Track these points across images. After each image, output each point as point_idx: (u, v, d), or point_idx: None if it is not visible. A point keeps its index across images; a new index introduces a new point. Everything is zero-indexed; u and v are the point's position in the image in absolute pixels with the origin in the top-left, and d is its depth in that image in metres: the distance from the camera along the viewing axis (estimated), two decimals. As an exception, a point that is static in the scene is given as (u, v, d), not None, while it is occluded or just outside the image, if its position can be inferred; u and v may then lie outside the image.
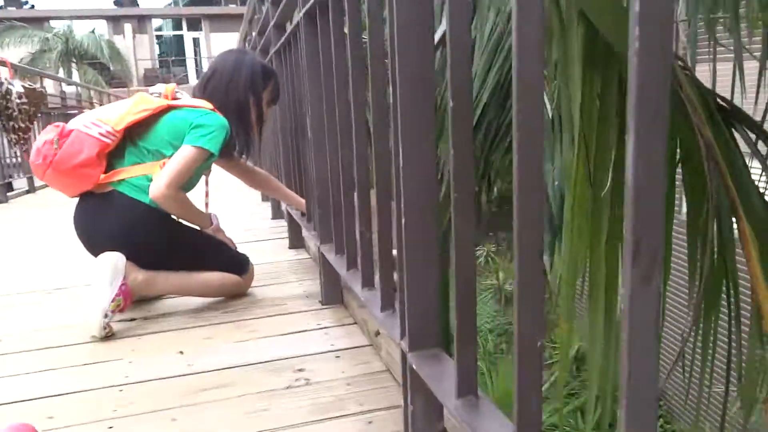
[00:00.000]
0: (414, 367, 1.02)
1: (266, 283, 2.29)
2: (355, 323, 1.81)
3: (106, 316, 1.79)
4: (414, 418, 1.07)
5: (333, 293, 2.00)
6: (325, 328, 1.79)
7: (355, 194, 1.56)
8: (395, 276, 1.22)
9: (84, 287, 2.31)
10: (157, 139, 1.93)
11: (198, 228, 2.10)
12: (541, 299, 0.69)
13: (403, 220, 1.01)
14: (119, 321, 1.92)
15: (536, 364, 0.69)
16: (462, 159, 0.83)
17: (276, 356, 1.60)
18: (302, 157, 2.48)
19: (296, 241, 2.89)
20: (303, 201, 2.36)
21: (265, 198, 4.58)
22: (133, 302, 1.93)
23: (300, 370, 1.50)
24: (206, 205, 2.26)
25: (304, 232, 2.87)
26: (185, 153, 1.87)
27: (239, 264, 2.13)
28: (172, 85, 2.08)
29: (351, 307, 1.90)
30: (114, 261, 1.84)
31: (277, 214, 3.71)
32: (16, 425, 1.13)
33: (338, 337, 1.72)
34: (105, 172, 1.92)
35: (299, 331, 1.77)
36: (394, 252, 1.17)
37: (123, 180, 1.91)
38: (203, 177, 2.17)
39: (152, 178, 1.89)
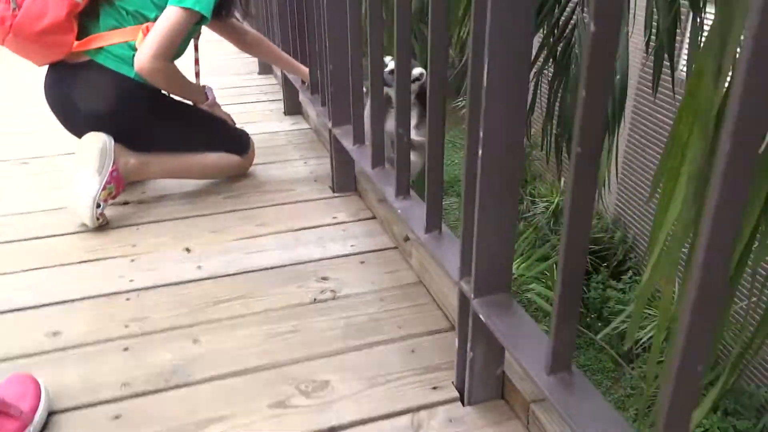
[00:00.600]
0: (482, 317, 0.89)
1: (267, 161, 2.10)
2: (374, 217, 1.67)
3: (98, 206, 1.61)
4: (473, 364, 0.97)
5: (345, 180, 1.83)
6: (342, 223, 1.65)
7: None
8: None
9: (65, 157, 2.10)
10: None
11: (191, 103, 1.85)
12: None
13: (481, 146, 0.82)
14: (111, 205, 1.75)
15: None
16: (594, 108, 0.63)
17: (293, 259, 1.47)
18: (302, 16, 2.16)
19: (292, 107, 2.65)
20: (305, 69, 2.09)
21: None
22: (124, 187, 1.74)
23: (323, 278, 1.38)
24: (197, 74, 1.98)
25: (302, 97, 2.62)
26: (172, 16, 1.57)
27: (239, 143, 1.92)
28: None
29: (367, 198, 1.75)
30: (102, 144, 1.62)
31: (265, 68, 3.38)
32: (19, 376, 1.01)
33: (358, 235, 1.58)
34: (78, 38, 1.62)
35: (313, 227, 1.63)
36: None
37: (101, 48, 1.62)
38: (192, 41, 1.87)
39: (135, 47, 1.60)
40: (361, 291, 1.33)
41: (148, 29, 1.59)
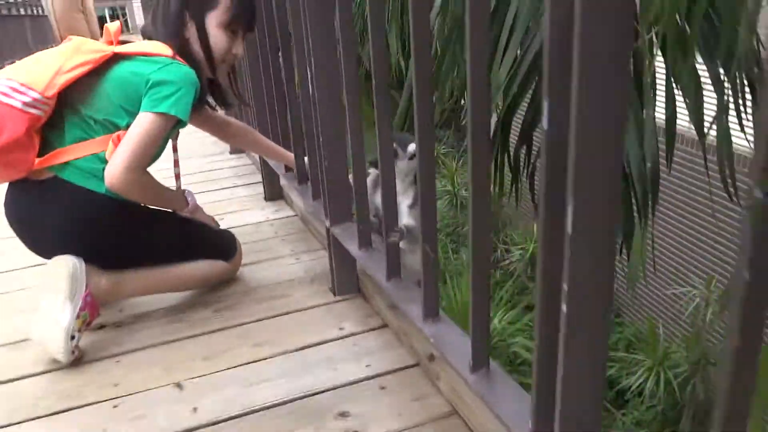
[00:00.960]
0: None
1: (255, 260, 1.92)
2: (385, 325, 1.51)
3: (72, 337, 1.41)
4: None
5: (347, 281, 1.67)
6: (350, 336, 1.48)
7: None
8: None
9: (30, 271, 1.89)
10: (104, 104, 1.45)
11: (171, 211, 1.67)
12: None
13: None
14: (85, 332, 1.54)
15: None
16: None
17: (303, 389, 1.28)
18: (282, 99, 2.04)
19: (273, 191, 2.49)
20: (291, 156, 1.95)
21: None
22: (99, 312, 1.54)
23: (343, 414, 1.20)
24: (177, 177, 1.81)
25: (284, 181, 2.48)
26: (145, 123, 1.41)
27: (224, 248, 1.74)
28: (117, 24, 1.56)
29: (374, 302, 1.58)
30: (71, 268, 1.43)
31: (237, 148, 3.23)
32: None
33: (372, 350, 1.41)
34: (40, 153, 1.44)
35: (319, 343, 1.45)
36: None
37: (67, 163, 1.44)
38: (170, 142, 1.72)
39: (105, 158, 1.43)
40: (391, 429, 1.15)
41: (119, 138, 1.42)
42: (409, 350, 1.39)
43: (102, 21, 3.94)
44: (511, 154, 1.68)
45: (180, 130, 1.68)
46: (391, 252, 1.28)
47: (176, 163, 1.79)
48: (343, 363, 1.37)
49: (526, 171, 1.66)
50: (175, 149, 1.77)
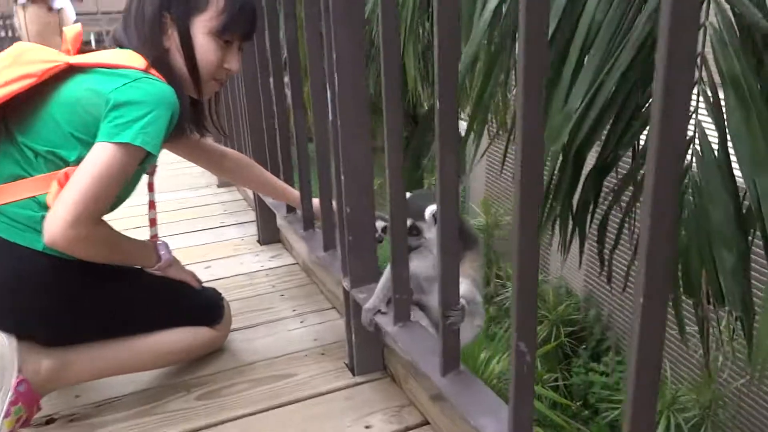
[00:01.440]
0: None
1: (249, 323, 1.56)
2: (426, 423, 1.14)
3: (0, 445, 1.03)
4: None
5: (370, 356, 1.31)
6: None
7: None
8: None
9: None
10: (50, 131, 1.09)
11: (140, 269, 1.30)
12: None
13: None
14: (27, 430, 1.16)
15: None
16: None
17: None
18: (283, 126, 1.70)
19: (269, 234, 2.13)
20: (297, 195, 1.60)
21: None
22: (40, 404, 1.16)
23: None
24: (152, 222, 1.44)
25: (280, 222, 2.12)
26: (101, 158, 1.05)
27: (208, 311, 1.37)
28: (77, 27, 1.21)
29: (408, 386, 1.22)
30: None
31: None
32: None
33: (412, 462, 1.05)
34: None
35: (341, 449, 1.09)
36: None
37: (-4, 209, 1.08)
38: (145, 179, 1.36)
39: (46, 203, 1.07)
40: None
41: (67, 177, 1.06)
42: (465, 465, 1.03)
43: (87, 48, 3.55)
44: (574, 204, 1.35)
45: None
46: (449, 337, 0.93)
47: (152, 205, 1.43)
48: (375, 483, 1.00)
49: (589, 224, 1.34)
50: (151, 188, 1.41)
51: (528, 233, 0.68)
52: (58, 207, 1.01)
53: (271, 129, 1.76)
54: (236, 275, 1.86)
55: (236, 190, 2.81)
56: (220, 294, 1.43)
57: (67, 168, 1.07)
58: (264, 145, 1.84)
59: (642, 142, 1.23)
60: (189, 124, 1.34)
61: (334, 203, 1.33)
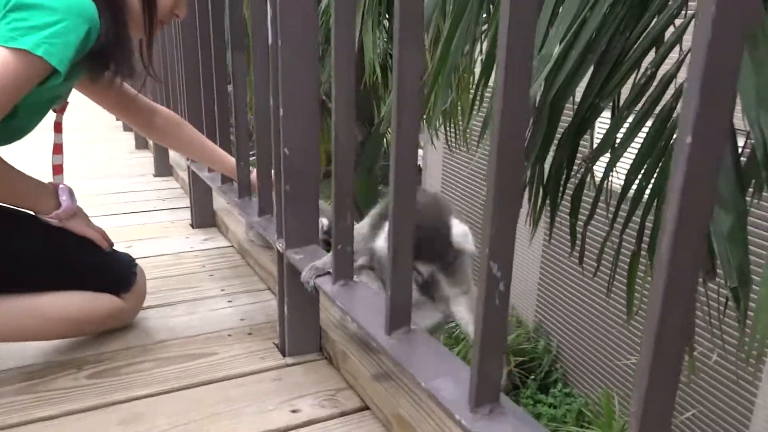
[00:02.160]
0: None
1: (168, 301, 1.34)
2: (366, 408, 0.95)
3: None
4: None
5: (306, 336, 1.11)
6: (310, 424, 0.91)
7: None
8: None
9: None
10: None
11: (33, 214, 1.08)
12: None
13: None
14: None
15: None
16: None
17: None
18: (221, 82, 1.51)
19: (204, 217, 1.91)
20: (233, 163, 1.40)
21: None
22: None
23: None
24: (56, 170, 1.21)
25: (218, 205, 1.92)
26: None
27: (116, 276, 1.15)
28: None
29: (347, 366, 1.03)
30: None
31: (163, 168, 2.65)
32: None
33: (347, 451, 0.85)
34: None
35: (260, 436, 0.88)
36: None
37: None
38: (52, 114, 1.14)
39: None
40: None
41: None
42: (411, 455, 0.83)
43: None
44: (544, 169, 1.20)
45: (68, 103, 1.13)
46: (398, 288, 0.74)
47: (57, 149, 1.21)
48: (299, 475, 0.80)
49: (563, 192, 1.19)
50: (57, 128, 1.19)
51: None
52: None
53: (209, 92, 1.57)
54: (161, 255, 1.63)
55: (173, 179, 2.58)
56: (134, 260, 1.21)
57: None
58: (200, 111, 1.64)
59: (624, 96, 1.10)
60: (115, 62, 1.14)
61: (273, 160, 1.14)
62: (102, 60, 1.03)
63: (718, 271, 1.03)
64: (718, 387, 4.84)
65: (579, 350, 6.26)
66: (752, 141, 0.89)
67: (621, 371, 5.51)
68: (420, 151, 9.60)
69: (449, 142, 3.96)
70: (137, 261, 1.22)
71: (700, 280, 1.03)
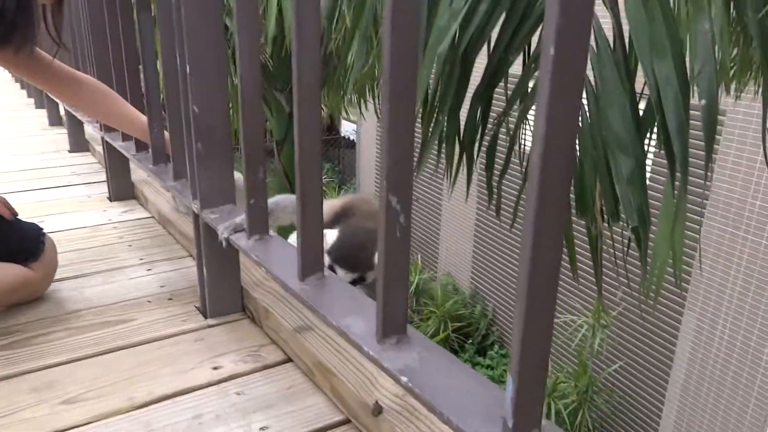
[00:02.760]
0: None
1: (83, 272, 1.29)
2: (289, 360, 0.96)
3: None
4: None
5: (227, 296, 1.10)
6: (232, 378, 0.91)
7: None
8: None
9: None
10: None
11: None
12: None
13: None
14: None
15: None
16: None
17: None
18: (129, 37, 1.45)
19: (122, 189, 1.85)
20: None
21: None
22: None
23: None
24: None
25: (136, 176, 1.86)
26: None
27: (24, 245, 1.11)
28: None
29: (269, 323, 1.03)
30: None
31: (79, 144, 2.53)
32: None
33: (268, 402, 0.85)
34: None
35: (179, 393, 0.87)
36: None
37: None
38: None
39: None
40: None
41: None
42: (332, 398, 0.85)
43: None
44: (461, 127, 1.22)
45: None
46: (310, 236, 0.75)
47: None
48: (219, 427, 0.80)
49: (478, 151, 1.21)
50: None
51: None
52: None
53: (118, 57, 1.50)
54: (77, 228, 1.57)
55: (90, 154, 2.47)
56: (41, 229, 1.16)
57: None
58: (110, 77, 1.57)
59: (534, 45, 1.13)
60: (20, 30, 1.06)
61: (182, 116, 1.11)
62: (4, 27, 0.97)
63: (621, 215, 1.09)
64: (641, 339, 5.14)
65: (513, 312, 6.46)
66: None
67: (554, 329, 5.76)
68: (353, 126, 9.56)
69: (378, 113, 3.96)
70: (49, 235, 1.17)
71: (605, 223, 1.09)
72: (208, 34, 0.95)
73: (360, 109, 3.46)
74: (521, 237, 0.43)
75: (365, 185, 8.55)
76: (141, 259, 1.37)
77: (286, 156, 4.59)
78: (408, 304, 0.63)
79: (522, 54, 1.13)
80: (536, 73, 1.16)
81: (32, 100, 3.76)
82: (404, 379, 0.56)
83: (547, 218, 0.42)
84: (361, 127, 8.66)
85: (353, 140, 9.88)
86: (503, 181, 1.29)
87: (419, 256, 7.48)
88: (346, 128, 10.60)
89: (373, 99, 3.77)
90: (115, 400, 0.84)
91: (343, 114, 5.70)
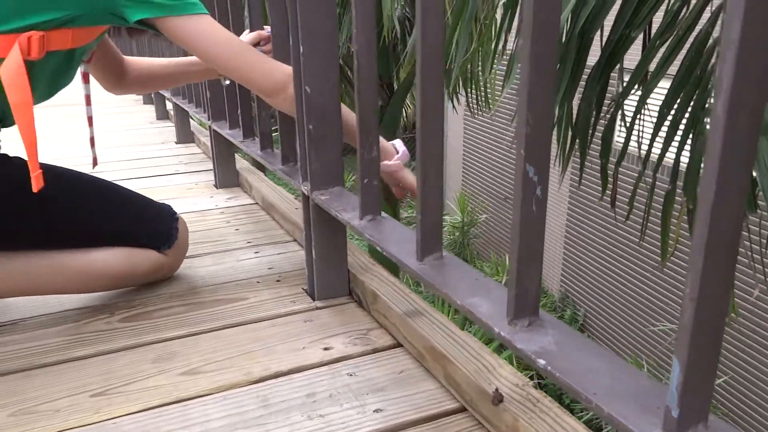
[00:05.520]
0: None
1: (196, 252, 1.34)
2: (398, 345, 0.94)
3: None
4: None
5: (335, 280, 1.10)
6: (342, 360, 0.91)
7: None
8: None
9: None
10: None
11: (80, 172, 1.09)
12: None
13: None
14: None
15: None
16: None
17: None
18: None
19: (227, 178, 1.92)
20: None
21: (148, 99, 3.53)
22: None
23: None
24: (89, 121, 1.20)
25: (241, 165, 1.92)
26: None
27: (158, 228, 1.16)
28: None
29: (377, 307, 1.02)
30: None
31: (185, 136, 2.65)
32: None
33: (380, 385, 0.84)
34: None
35: (292, 371, 0.88)
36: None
37: None
38: (79, 72, 1.12)
39: None
40: None
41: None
42: (445, 383, 0.83)
43: None
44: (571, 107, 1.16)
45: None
46: (429, 214, 0.73)
47: (88, 99, 1.19)
48: (334, 407, 0.80)
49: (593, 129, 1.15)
50: (86, 78, 1.17)
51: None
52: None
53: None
54: (186, 212, 1.64)
55: (195, 145, 2.59)
56: (175, 212, 1.21)
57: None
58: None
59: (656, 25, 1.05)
60: None
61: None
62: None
63: (759, 202, 0.99)
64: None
65: (606, 318, 6.20)
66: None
67: (649, 338, 5.47)
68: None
69: (470, 105, 3.89)
70: (181, 217, 1.21)
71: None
72: (324, 12, 0.95)
73: (453, 103, 3.42)
74: (698, 211, 0.39)
75: (453, 181, 8.47)
76: (248, 242, 1.41)
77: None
78: (541, 285, 0.59)
79: (644, 33, 1.06)
80: (660, 53, 1.09)
81: (140, 97, 3.99)
82: (542, 362, 0.53)
83: (726, 197, 0.38)
84: (446, 119, 8.60)
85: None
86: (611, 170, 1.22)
87: (507, 257, 7.32)
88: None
89: (466, 92, 3.71)
90: (233, 374, 0.86)
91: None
